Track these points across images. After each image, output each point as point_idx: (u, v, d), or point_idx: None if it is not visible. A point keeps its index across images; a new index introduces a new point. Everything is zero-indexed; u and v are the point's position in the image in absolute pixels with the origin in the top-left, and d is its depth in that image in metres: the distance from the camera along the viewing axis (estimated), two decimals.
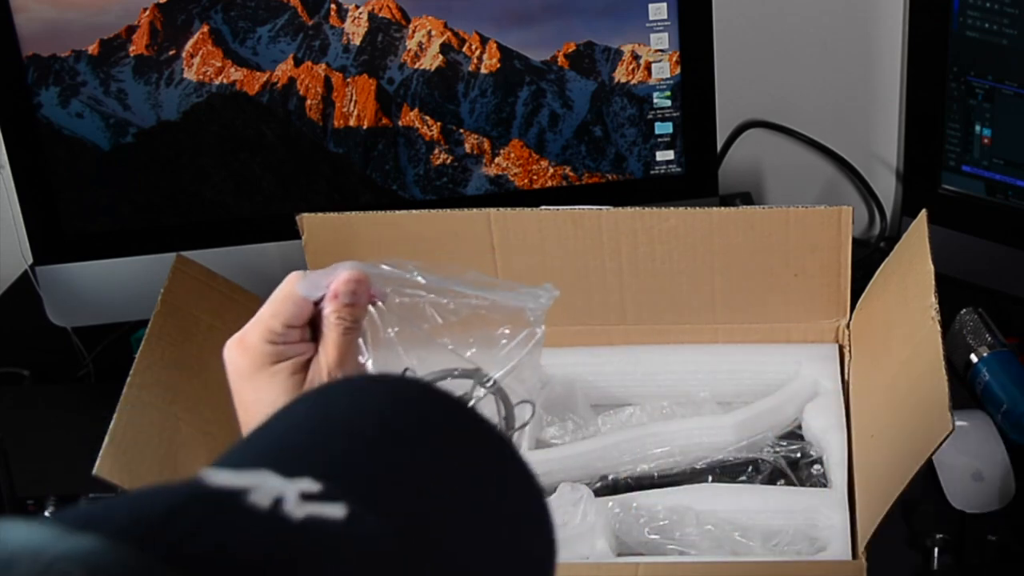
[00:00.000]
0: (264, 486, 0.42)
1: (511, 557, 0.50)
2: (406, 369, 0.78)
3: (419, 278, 0.78)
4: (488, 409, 0.79)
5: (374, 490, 0.45)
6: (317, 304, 0.77)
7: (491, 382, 0.78)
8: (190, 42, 1.29)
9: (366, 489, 0.45)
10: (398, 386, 0.53)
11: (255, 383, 0.75)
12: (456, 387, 0.79)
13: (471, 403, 0.79)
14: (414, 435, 0.49)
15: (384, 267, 0.77)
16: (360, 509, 0.43)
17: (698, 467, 1.15)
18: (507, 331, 0.80)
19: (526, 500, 0.52)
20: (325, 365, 0.75)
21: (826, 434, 1.14)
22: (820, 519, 1.07)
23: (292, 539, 0.41)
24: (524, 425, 0.80)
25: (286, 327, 0.75)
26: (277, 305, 0.75)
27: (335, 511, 0.42)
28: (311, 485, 0.43)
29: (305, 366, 0.76)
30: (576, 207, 1.18)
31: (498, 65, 1.31)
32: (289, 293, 0.76)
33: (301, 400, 0.52)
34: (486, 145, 1.34)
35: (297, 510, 0.41)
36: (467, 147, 1.33)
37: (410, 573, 0.43)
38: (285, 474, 0.43)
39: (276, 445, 0.47)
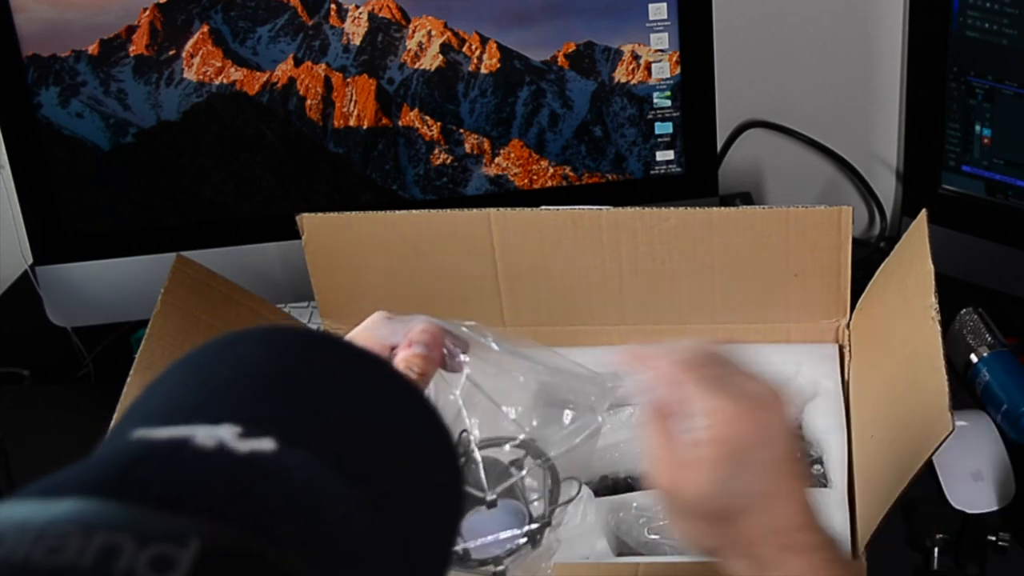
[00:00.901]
0: (200, 433, 0.45)
1: (414, 491, 0.52)
2: (463, 431, 0.80)
3: (493, 344, 0.80)
4: (536, 479, 0.83)
5: (291, 425, 0.48)
6: (393, 349, 0.80)
7: (546, 459, 0.81)
8: (190, 42, 1.29)
9: (283, 425, 0.48)
10: (287, 334, 0.55)
11: None
12: (510, 454, 0.82)
13: (523, 472, 0.83)
14: (314, 375, 0.52)
15: (463, 328, 0.80)
16: (286, 443, 0.46)
17: None
18: (570, 415, 0.83)
19: (429, 439, 0.54)
20: None
21: (826, 434, 1.14)
22: (820, 519, 1.07)
23: (245, 470, 0.45)
24: (569, 501, 0.83)
25: None
26: (358, 338, 0.79)
27: (266, 444, 0.46)
28: (234, 428, 0.46)
29: None
30: (576, 207, 1.18)
31: (498, 65, 1.31)
32: (371, 327, 0.80)
33: (192, 355, 0.54)
34: (486, 145, 1.34)
35: (240, 446, 0.45)
36: (467, 147, 1.34)
37: (345, 497, 0.47)
38: (208, 423, 0.46)
39: (185, 400, 0.50)
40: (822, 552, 0.77)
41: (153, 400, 0.51)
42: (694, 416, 0.75)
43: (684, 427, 0.76)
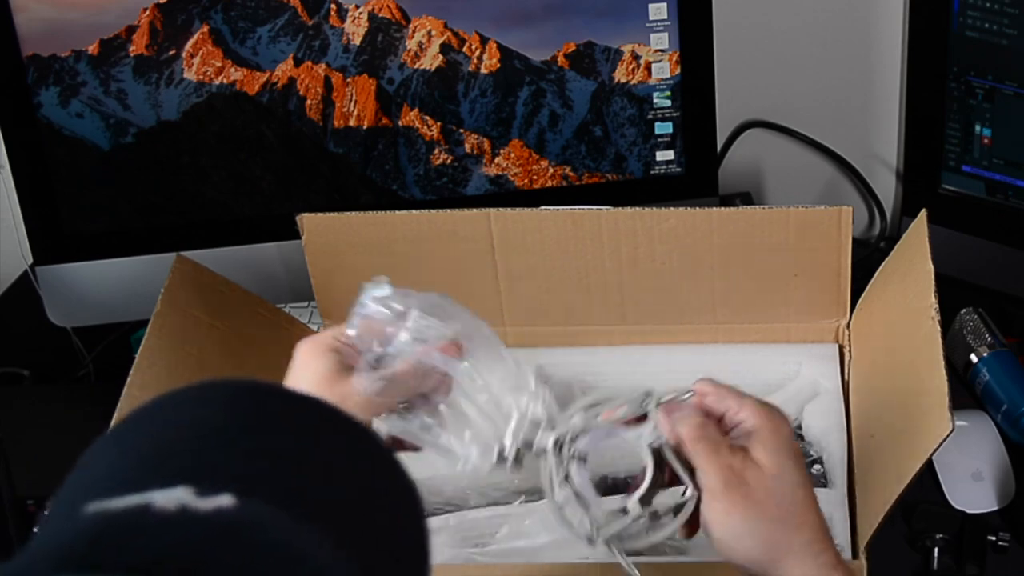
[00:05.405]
0: (159, 496, 0.44)
1: (381, 523, 0.51)
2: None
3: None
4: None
5: (246, 478, 0.47)
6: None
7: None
8: (190, 42, 1.29)
9: (239, 478, 0.47)
10: (225, 387, 0.54)
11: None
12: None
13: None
14: (260, 425, 0.51)
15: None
16: (244, 496, 0.45)
17: None
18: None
19: (388, 477, 0.53)
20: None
21: (826, 434, 1.14)
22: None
23: (212, 528, 0.44)
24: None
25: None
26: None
27: (225, 500, 0.45)
28: (190, 488, 0.45)
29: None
30: (576, 207, 1.18)
31: (498, 65, 1.31)
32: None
33: (131, 420, 0.52)
34: (486, 145, 1.34)
35: (201, 505, 0.44)
36: (467, 147, 1.34)
37: (315, 544, 0.46)
38: (163, 486, 0.45)
39: (134, 465, 0.49)
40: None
41: (99, 469, 0.49)
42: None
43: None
